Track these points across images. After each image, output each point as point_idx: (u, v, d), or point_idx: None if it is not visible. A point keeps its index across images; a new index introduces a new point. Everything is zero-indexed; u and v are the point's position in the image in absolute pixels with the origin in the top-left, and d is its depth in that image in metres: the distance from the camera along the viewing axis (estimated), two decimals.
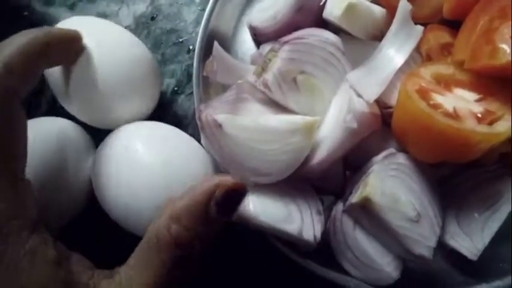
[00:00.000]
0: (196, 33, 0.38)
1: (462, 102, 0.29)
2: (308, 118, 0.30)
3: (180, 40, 0.42)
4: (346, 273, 0.32)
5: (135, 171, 0.30)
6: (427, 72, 0.30)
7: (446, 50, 0.32)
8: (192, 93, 0.37)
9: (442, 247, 0.31)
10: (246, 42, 0.39)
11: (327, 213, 0.32)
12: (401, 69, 0.31)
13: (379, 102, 0.31)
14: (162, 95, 0.40)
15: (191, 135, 0.34)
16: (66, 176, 0.32)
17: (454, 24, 0.32)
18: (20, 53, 0.26)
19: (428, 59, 0.33)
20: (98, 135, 0.36)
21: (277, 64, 0.31)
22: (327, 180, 0.33)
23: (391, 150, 0.31)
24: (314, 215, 0.31)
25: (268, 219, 0.29)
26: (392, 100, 0.32)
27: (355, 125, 0.29)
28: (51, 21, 0.43)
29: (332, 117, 0.32)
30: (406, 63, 0.31)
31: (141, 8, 0.43)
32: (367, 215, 0.30)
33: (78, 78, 0.32)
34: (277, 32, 0.34)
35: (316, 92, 0.32)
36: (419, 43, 0.32)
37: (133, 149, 0.31)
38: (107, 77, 0.32)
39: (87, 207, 0.34)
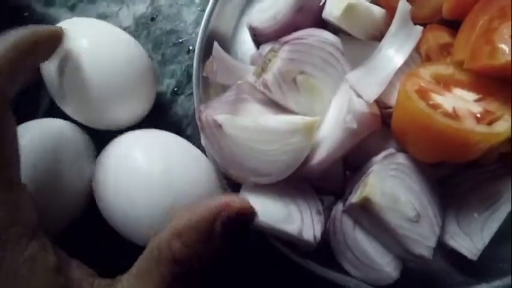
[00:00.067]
0: (196, 34, 0.38)
1: (461, 102, 0.29)
2: (308, 118, 0.30)
3: (180, 41, 0.42)
4: (346, 273, 0.32)
5: (134, 180, 0.30)
6: (427, 72, 0.30)
7: (445, 50, 0.32)
8: (192, 93, 0.37)
9: (441, 247, 0.31)
10: (245, 43, 0.39)
11: (326, 213, 0.32)
12: (400, 70, 0.31)
13: (379, 102, 0.31)
14: (162, 95, 0.41)
15: (191, 135, 0.34)
16: (65, 176, 0.32)
17: (453, 24, 0.32)
18: (7, 53, 0.26)
19: (428, 59, 0.33)
20: (97, 135, 0.36)
21: (277, 64, 0.31)
22: (326, 180, 0.33)
23: (391, 150, 0.31)
24: (314, 215, 0.31)
25: (268, 220, 0.29)
26: (392, 100, 0.32)
27: (355, 125, 0.29)
28: (51, 21, 0.43)
29: (332, 117, 0.32)
30: (406, 63, 0.31)
31: (141, 8, 0.43)
32: (367, 215, 0.30)
33: (74, 78, 0.32)
34: (277, 33, 0.34)
35: (316, 92, 0.32)
36: (419, 43, 0.32)
37: (133, 158, 0.31)
38: (102, 78, 0.32)
39: (87, 210, 0.34)
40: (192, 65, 0.36)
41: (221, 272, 0.35)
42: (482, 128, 0.27)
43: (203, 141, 0.31)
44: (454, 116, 0.27)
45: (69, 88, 0.33)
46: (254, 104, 0.32)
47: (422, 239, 0.30)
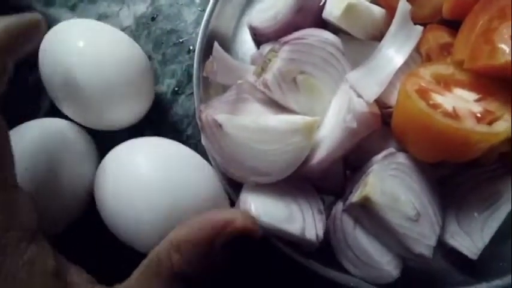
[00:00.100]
0: (197, 34, 0.38)
1: (461, 102, 0.29)
2: (308, 118, 0.30)
3: (181, 40, 0.42)
4: (346, 272, 0.32)
5: (136, 187, 0.29)
6: (427, 72, 0.30)
7: (445, 50, 0.32)
8: (192, 93, 0.37)
9: (442, 246, 0.31)
10: (246, 43, 0.39)
11: (327, 212, 0.32)
12: (400, 69, 0.31)
13: (379, 102, 0.31)
14: (163, 95, 0.41)
15: (192, 135, 0.34)
16: (66, 177, 0.32)
17: (453, 24, 0.32)
18: None
19: (428, 59, 0.33)
20: (97, 136, 0.36)
21: (277, 64, 0.31)
22: (327, 180, 0.33)
23: (391, 149, 0.31)
24: (316, 214, 0.31)
25: (270, 220, 0.29)
26: (392, 100, 0.32)
27: (355, 125, 0.29)
28: (51, 22, 0.43)
29: (332, 117, 0.32)
30: (406, 63, 0.31)
31: (142, 8, 0.43)
32: (367, 214, 0.30)
33: (72, 79, 0.32)
34: (277, 32, 0.34)
35: (316, 92, 0.32)
36: (419, 43, 0.32)
37: (134, 165, 0.30)
38: (100, 78, 0.32)
39: (86, 212, 0.34)
40: (192, 64, 0.36)
41: (222, 277, 0.35)
42: (482, 128, 0.27)
43: (203, 141, 0.31)
44: (454, 115, 0.27)
45: (68, 90, 0.33)
46: (254, 103, 0.32)
47: (422, 238, 0.30)
